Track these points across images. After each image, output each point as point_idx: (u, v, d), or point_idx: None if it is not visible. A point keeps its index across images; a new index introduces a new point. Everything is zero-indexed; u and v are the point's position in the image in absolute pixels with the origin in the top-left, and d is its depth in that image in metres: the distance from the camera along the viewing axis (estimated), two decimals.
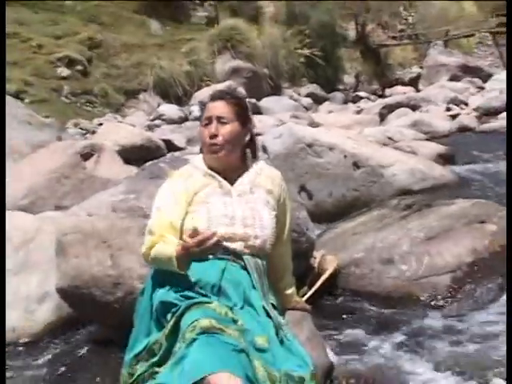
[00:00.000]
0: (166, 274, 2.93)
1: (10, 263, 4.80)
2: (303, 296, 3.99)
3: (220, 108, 3.21)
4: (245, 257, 3.03)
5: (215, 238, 2.72)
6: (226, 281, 2.91)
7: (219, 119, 3.17)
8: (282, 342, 2.81)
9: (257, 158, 3.38)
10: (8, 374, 3.88)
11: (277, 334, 2.83)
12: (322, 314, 4.00)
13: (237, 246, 3.03)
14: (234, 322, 2.68)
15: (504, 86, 15.21)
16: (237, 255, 3.02)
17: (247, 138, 3.27)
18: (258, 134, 7.63)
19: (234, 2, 24.94)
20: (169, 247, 2.85)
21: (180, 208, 3.05)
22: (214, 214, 3.03)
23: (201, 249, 2.71)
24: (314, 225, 4.81)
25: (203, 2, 24.81)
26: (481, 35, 31.00)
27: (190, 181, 3.15)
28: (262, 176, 3.26)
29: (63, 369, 3.83)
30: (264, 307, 2.91)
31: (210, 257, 2.90)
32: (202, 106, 3.17)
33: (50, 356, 4.10)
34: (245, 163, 3.27)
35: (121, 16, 22.97)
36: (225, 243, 2.99)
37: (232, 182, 3.17)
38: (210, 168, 3.19)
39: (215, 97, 3.31)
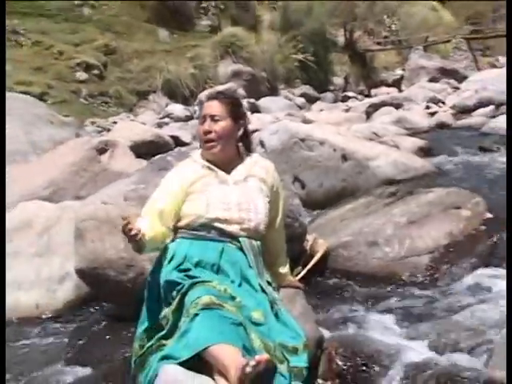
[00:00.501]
0: (172, 256, 2.94)
1: (33, 247, 4.81)
2: (297, 275, 3.99)
3: (213, 107, 3.24)
4: (241, 238, 3.04)
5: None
6: (224, 260, 2.92)
7: (212, 117, 3.20)
8: (276, 315, 2.82)
9: (251, 150, 3.39)
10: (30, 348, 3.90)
11: (272, 308, 2.83)
12: (313, 291, 4.00)
13: (233, 228, 3.04)
14: (233, 298, 2.69)
15: (477, 86, 15.21)
16: (233, 237, 3.03)
17: (240, 132, 3.28)
18: (257, 130, 7.64)
19: (235, 11, 24.90)
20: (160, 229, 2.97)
21: (171, 197, 3.07)
22: (212, 201, 3.05)
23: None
24: (306, 211, 4.82)
25: (207, 12, 24.71)
26: (456, 41, 30.94)
27: (189, 172, 3.16)
28: (257, 166, 3.28)
29: (81, 341, 3.83)
30: (260, 284, 2.90)
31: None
32: (200, 105, 3.20)
33: (69, 330, 4.11)
34: (239, 156, 3.29)
35: (133, 25, 22.94)
36: (222, 226, 3.02)
37: (228, 173, 3.19)
38: (208, 161, 3.21)
39: (210, 97, 3.36)
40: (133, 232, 2.71)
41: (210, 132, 3.17)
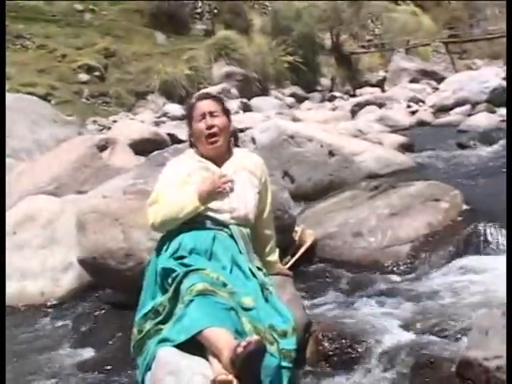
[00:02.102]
0: (168, 245, 2.95)
1: (38, 239, 4.81)
2: (286, 264, 3.99)
3: (209, 105, 3.28)
4: (231, 226, 3.05)
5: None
6: (216, 247, 2.92)
7: (211, 113, 3.23)
8: (266, 299, 2.82)
9: (237, 144, 3.43)
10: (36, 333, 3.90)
11: (262, 292, 2.83)
12: (302, 278, 4.00)
13: (224, 217, 3.05)
14: (225, 285, 2.69)
15: (455, 87, 15.26)
16: (224, 225, 3.04)
17: (231, 128, 3.33)
18: (248, 128, 7.63)
19: (228, 16, 24.88)
20: (178, 201, 3.00)
21: (174, 187, 3.08)
22: None
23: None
24: (295, 204, 4.83)
25: (201, 17, 24.68)
26: (435, 44, 31.08)
27: (185, 165, 3.17)
28: (246, 160, 3.31)
29: (84, 327, 3.83)
30: (250, 269, 2.91)
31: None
32: (189, 106, 3.19)
33: (72, 316, 4.11)
34: (230, 151, 3.30)
35: (131, 29, 22.92)
36: (214, 215, 3.03)
37: (219, 166, 3.20)
38: (202, 156, 3.24)
39: (201, 97, 3.41)
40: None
41: (213, 126, 3.19)
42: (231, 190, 3.08)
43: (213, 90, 16.29)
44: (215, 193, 3.03)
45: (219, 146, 3.22)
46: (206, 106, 3.26)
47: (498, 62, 31.69)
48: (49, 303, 4.41)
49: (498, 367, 2.40)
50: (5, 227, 4.49)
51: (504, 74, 19.45)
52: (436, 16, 36.76)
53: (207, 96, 3.42)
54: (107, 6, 23.64)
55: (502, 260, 3.95)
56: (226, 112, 3.34)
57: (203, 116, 3.22)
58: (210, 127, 3.19)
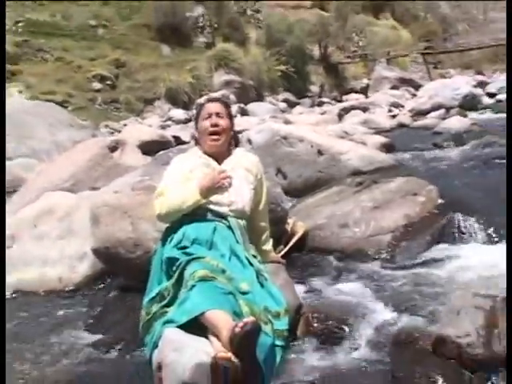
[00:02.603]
0: (172, 236, 2.94)
1: (56, 231, 4.79)
2: (279, 252, 3.98)
3: (217, 107, 3.29)
4: (229, 218, 3.04)
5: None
6: (216, 237, 2.91)
7: (217, 114, 3.25)
8: (261, 284, 2.81)
9: (238, 146, 3.42)
10: (55, 315, 3.89)
11: (257, 278, 2.82)
12: (293, 265, 3.99)
13: (223, 209, 3.05)
14: (223, 271, 2.68)
15: (430, 93, 15.27)
16: (223, 217, 3.03)
17: (232, 130, 3.33)
18: (245, 130, 7.60)
19: (227, 30, 24.87)
20: (181, 194, 2.99)
21: (178, 182, 3.07)
22: None
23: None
24: (287, 198, 4.82)
25: (202, 31, 24.66)
26: (413, 56, 31.11)
27: (188, 162, 3.17)
28: (243, 159, 3.31)
29: (98, 309, 3.82)
30: (246, 257, 2.90)
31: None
32: (200, 107, 3.20)
33: (87, 299, 4.10)
34: (230, 150, 3.29)
35: (140, 42, 22.90)
36: (214, 207, 3.03)
37: (220, 163, 3.20)
38: (205, 153, 3.24)
39: (212, 99, 3.45)
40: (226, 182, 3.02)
41: (217, 125, 3.20)
42: (230, 185, 3.07)
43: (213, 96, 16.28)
44: (215, 187, 3.02)
45: (220, 144, 3.22)
46: (213, 107, 3.29)
47: (469, 72, 31.80)
48: (66, 288, 4.39)
49: (469, 343, 2.42)
50: (5, 226, 4.46)
51: (474, 83, 19.53)
52: (413, 30, 36.80)
53: (217, 99, 3.48)
54: (118, 22, 23.58)
55: (473, 247, 3.98)
56: (231, 116, 3.36)
57: (210, 115, 3.23)
58: (214, 125, 3.20)
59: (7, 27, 20.46)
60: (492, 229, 4.09)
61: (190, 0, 24.73)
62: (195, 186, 3.00)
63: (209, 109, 3.28)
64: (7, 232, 4.77)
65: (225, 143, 3.26)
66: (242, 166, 3.25)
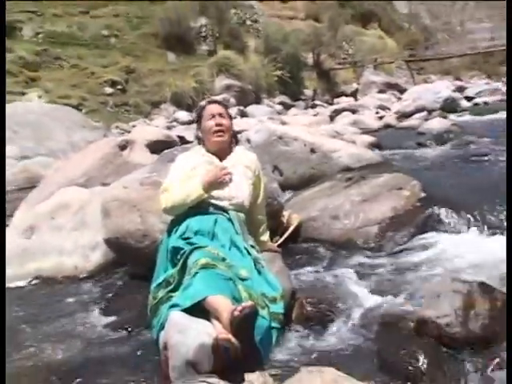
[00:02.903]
0: (177, 228, 2.93)
1: (71, 223, 4.77)
2: (276, 242, 3.98)
3: (219, 108, 3.32)
4: (230, 211, 3.04)
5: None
6: (217, 229, 2.91)
7: (220, 114, 3.27)
8: (259, 272, 2.81)
9: (237, 144, 3.42)
10: (71, 299, 3.89)
11: (255, 266, 2.82)
12: (289, 254, 3.97)
13: (224, 203, 3.05)
14: (224, 260, 2.68)
15: (414, 97, 15.24)
16: (224, 210, 3.03)
17: (232, 130, 3.31)
18: (245, 130, 7.58)
19: (227, 39, 24.84)
20: (185, 189, 2.98)
21: (182, 178, 3.07)
22: None
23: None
24: (283, 193, 4.81)
25: (205, 39, 24.62)
26: (398, 62, 31.08)
27: (191, 159, 3.17)
28: (243, 156, 3.31)
29: (110, 294, 3.81)
30: (245, 247, 2.90)
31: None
32: (200, 108, 3.22)
33: (100, 286, 4.09)
34: (230, 148, 3.29)
35: (148, 50, 22.86)
36: (216, 201, 3.03)
37: (221, 160, 3.20)
38: (207, 151, 3.24)
39: (213, 101, 3.48)
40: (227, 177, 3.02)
41: (221, 124, 3.21)
42: (230, 180, 3.07)
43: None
44: (217, 183, 3.02)
45: (223, 141, 3.23)
46: (215, 108, 3.29)
47: (448, 77, 31.79)
48: (81, 275, 4.38)
49: (447, 323, 2.42)
50: (5, 224, 4.44)
51: (453, 87, 19.50)
52: (398, 39, 36.79)
53: (216, 101, 3.50)
54: (128, 32, 23.53)
55: (452, 237, 3.98)
56: (230, 116, 3.37)
57: (213, 116, 3.23)
58: (218, 125, 3.21)
59: (28, 38, 20.44)
60: (469, 220, 4.08)
61: (193, 12, 24.68)
62: (198, 181, 3.00)
63: (211, 110, 3.28)
64: (26, 224, 4.77)
65: (227, 141, 3.27)
66: (242, 163, 3.25)
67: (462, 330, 2.40)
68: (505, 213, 3.98)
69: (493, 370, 2.29)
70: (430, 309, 2.50)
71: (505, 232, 3.78)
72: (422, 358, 2.38)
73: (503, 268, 2.98)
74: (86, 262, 4.48)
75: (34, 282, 4.38)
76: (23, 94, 16.95)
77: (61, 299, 3.92)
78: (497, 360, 2.32)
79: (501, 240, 3.70)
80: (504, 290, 2.66)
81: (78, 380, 2.60)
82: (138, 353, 2.84)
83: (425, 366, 2.36)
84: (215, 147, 3.24)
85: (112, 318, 3.41)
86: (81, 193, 5.13)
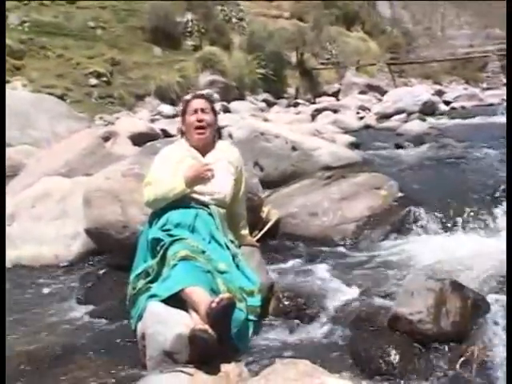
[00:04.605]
0: (158, 220, 2.92)
1: (52, 212, 4.73)
2: (255, 237, 3.98)
3: (202, 103, 3.27)
4: (211, 206, 3.03)
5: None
6: (198, 222, 2.91)
7: (203, 110, 3.23)
8: (237, 266, 2.81)
9: (220, 139, 3.39)
10: (50, 288, 3.85)
11: (233, 260, 2.82)
12: (267, 249, 3.97)
13: (205, 198, 3.04)
14: (203, 252, 2.68)
15: (394, 99, 15.31)
16: (205, 205, 3.02)
17: (216, 124, 3.29)
18: (227, 126, 7.55)
19: (213, 35, 24.74)
20: (168, 184, 2.95)
21: (165, 172, 3.05)
22: None
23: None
24: (263, 189, 4.80)
25: (191, 35, 24.48)
26: (380, 65, 31.25)
27: (175, 153, 3.15)
28: (226, 152, 3.29)
29: (89, 284, 3.78)
30: (224, 242, 2.90)
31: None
32: (185, 101, 3.18)
33: (80, 275, 4.06)
34: (214, 142, 3.28)
35: (134, 43, 22.62)
36: (197, 196, 3.01)
37: (204, 156, 3.18)
38: (191, 146, 3.20)
39: (197, 96, 3.43)
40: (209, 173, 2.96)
41: (202, 120, 3.18)
42: (212, 176, 3.05)
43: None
44: (199, 178, 2.99)
45: (205, 137, 3.20)
46: (199, 103, 3.25)
47: (428, 81, 32.07)
48: (61, 264, 4.35)
49: (420, 320, 2.45)
50: (5, 222, 4.39)
51: (432, 91, 19.67)
52: (381, 42, 36.96)
53: (201, 96, 3.44)
54: (115, 24, 23.25)
55: (427, 236, 4.04)
56: (214, 111, 3.33)
57: (196, 111, 3.20)
58: (200, 121, 3.17)
59: (14, 26, 20.12)
60: (444, 220, 4.13)
61: (180, 7, 24.52)
62: (181, 176, 2.98)
63: (195, 105, 3.25)
64: (7, 211, 4.70)
65: (210, 136, 3.24)
66: (225, 159, 3.24)
67: (434, 326, 2.43)
68: (479, 214, 4.04)
69: (461, 366, 2.33)
70: (403, 305, 2.53)
71: (476, 230, 3.86)
72: (393, 353, 2.41)
73: (476, 267, 3.03)
74: (67, 251, 4.44)
75: (13, 269, 4.33)
76: (7, 82, 16.70)
77: (40, 288, 3.89)
78: (464, 357, 2.35)
79: (473, 239, 3.77)
80: (474, 288, 2.71)
81: (55, 369, 2.58)
82: (117, 342, 2.83)
83: (396, 360, 2.39)
84: (198, 142, 3.22)
85: (91, 307, 3.39)
86: (63, 182, 5.09)
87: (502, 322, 2.51)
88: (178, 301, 2.45)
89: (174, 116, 15.93)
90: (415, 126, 10.86)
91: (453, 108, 16.94)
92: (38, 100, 11.61)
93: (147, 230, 2.96)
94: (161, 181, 3.00)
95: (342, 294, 3.13)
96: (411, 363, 2.38)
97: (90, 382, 2.41)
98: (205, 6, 25.11)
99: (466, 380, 2.28)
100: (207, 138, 3.22)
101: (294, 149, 5.83)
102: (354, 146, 8.35)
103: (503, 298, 2.69)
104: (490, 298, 2.69)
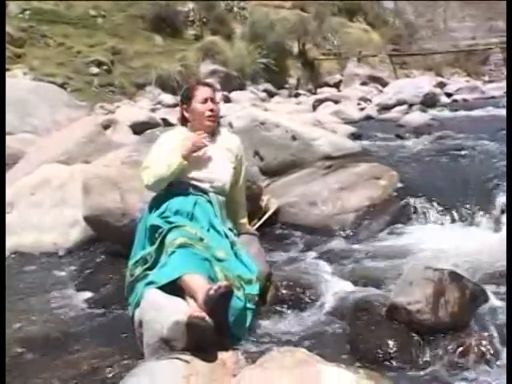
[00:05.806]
0: (157, 207, 2.91)
1: (52, 199, 4.72)
2: (254, 225, 3.97)
3: (211, 92, 3.24)
4: (210, 194, 3.02)
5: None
6: (197, 210, 2.89)
7: (212, 100, 3.20)
8: (236, 254, 2.80)
9: (219, 126, 3.39)
10: (49, 275, 3.85)
11: (232, 248, 2.81)
12: (266, 238, 3.96)
13: (205, 185, 3.03)
14: (201, 240, 2.67)
15: (395, 90, 15.26)
16: (205, 192, 3.00)
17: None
18: (228, 115, 7.52)
19: (214, 24, 24.63)
20: (165, 162, 2.93)
21: (163, 155, 3.02)
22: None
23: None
24: (263, 178, 4.80)
25: (192, 24, 24.37)
26: (381, 56, 31.11)
27: (173, 140, 3.14)
28: (226, 139, 3.28)
29: (87, 271, 3.79)
30: (223, 230, 2.89)
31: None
32: (191, 88, 3.12)
33: (78, 262, 4.06)
34: (214, 130, 3.26)
35: (135, 32, 22.52)
36: (197, 183, 2.99)
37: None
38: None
39: (205, 84, 3.41)
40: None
41: (214, 110, 3.17)
42: (210, 159, 3.04)
43: None
44: (196, 147, 2.98)
45: (214, 126, 3.19)
46: (208, 92, 3.22)
47: (430, 73, 31.93)
48: (60, 252, 4.34)
49: (418, 310, 2.44)
50: (5, 209, 4.38)
51: (434, 83, 19.59)
52: (383, 33, 36.76)
53: (209, 84, 3.41)
54: (116, 13, 23.14)
55: (426, 227, 4.03)
56: (217, 100, 3.33)
57: (206, 101, 3.17)
58: (212, 110, 3.16)
59: (15, 14, 20.02)
60: (443, 211, 4.12)
61: None
62: (177, 151, 2.97)
63: (205, 93, 3.20)
64: (6, 199, 4.70)
65: (215, 125, 3.24)
66: (225, 147, 3.23)
67: (432, 316, 2.42)
68: (478, 206, 4.03)
69: (459, 357, 2.32)
70: (401, 295, 2.52)
71: (476, 222, 3.85)
72: (391, 343, 2.40)
73: (474, 258, 3.02)
74: (65, 238, 4.43)
75: (12, 256, 4.32)
76: (8, 70, 16.64)
77: (39, 275, 3.89)
78: (462, 347, 2.35)
79: (472, 231, 3.76)
80: (473, 279, 2.70)
81: (53, 355, 2.58)
82: (115, 329, 2.82)
83: (394, 350, 2.38)
84: (208, 130, 3.19)
85: (89, 294, 3.38)
86: (62, 170, 5.07)
87: (501, 313, 2.50)
88: (175, 288, 2.44)
89: (174, 105, 15.84)
90: (416, 117, 10.80)
91: (454, 100, 16.87)
92: (39, 88, 11.57)
93: (145, 217, 2.94)
94: (158, 162, 2.99)
95: (341, 284, 3.12)
96: (409, 353, 2.37)
97: (88, 369, 2.41)
98: None
99: (463, 370, 2.28)
100: (214, 126, 3.23)
101: (294, 138, 5.80)
102: (354, 136, 8.32)
103: (502, 289, 2.68)
104: (489, 288, 2.68)
